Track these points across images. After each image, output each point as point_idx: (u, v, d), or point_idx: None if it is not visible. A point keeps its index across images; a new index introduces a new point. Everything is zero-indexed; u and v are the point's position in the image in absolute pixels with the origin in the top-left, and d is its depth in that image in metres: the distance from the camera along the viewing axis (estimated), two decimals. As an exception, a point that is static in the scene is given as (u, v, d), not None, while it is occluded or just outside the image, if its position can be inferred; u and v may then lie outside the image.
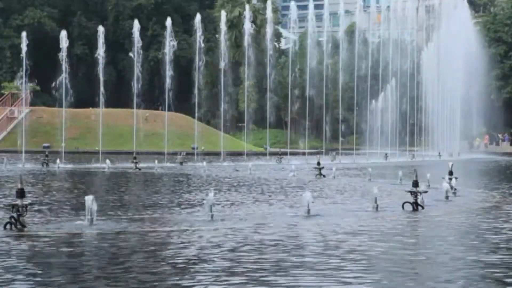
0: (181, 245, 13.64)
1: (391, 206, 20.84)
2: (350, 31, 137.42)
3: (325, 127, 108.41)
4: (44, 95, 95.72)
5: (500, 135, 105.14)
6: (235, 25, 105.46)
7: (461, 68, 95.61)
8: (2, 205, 19.77)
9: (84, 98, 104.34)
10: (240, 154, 61.66)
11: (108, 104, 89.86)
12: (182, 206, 21.10)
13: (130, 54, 67.98)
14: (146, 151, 63.29)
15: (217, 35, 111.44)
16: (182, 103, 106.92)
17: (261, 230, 15.85)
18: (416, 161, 59.77)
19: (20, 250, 13.10)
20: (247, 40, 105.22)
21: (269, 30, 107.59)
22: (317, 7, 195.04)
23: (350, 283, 10.23)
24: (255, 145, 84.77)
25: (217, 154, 55.08)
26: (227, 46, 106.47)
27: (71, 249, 13.23)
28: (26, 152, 53.41)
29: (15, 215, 15.29)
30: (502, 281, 10.50)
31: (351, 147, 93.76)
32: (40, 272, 11.14)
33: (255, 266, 11.44)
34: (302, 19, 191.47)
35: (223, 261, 11.90)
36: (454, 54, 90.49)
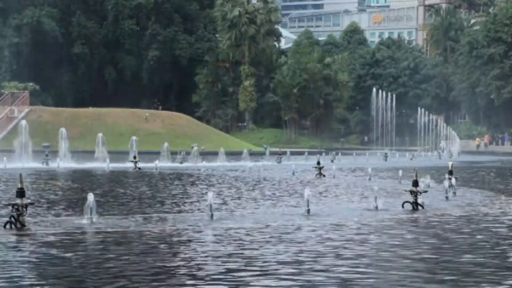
0: (182, 244, 13.66)
1: (391, 205, 20.85)
2: (350, 31, 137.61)
3: (324, 127, 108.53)
4: (43, 94, 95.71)
5: (499, 135, 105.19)
6: (235, 24, 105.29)
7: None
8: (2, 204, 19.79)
9: (83, 98, 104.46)
10: (240, 153, 61.54)
11: (108, 104, 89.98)
12: (182, 206, 21.13)
13: None
14: (146, 151, 63.24)
15: (217, 35, 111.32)
16: (182, 103, 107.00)
17: (260, 230, 15.86)
18: (416, 161, 59.73)
19: (19, 249, 13.10)
20: (247, 39, 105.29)
21: (269, 29, 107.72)
22: (317, 6, 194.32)
23: (346, 282, 10.25)
24: (254, 145, 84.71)
25: (217, 153, 55.05)
26: (227, 45, 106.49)
27: (71, 248, 13.24)
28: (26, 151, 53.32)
29: (15, 214, 15.30)
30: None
31: (351, 146, 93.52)
32: (38, 272, 11.15)
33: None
34: (302, 18, 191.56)
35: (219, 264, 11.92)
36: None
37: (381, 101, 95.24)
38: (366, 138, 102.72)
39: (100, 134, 46.29)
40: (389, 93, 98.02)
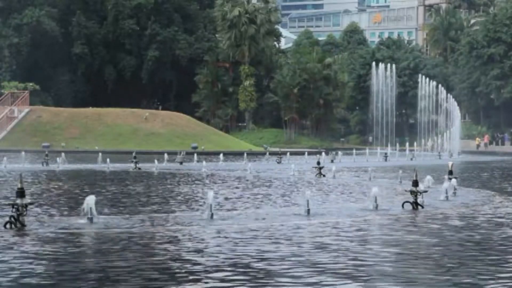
0: (181, 244, 13.67)
1: (391, 205, 20.86)
2: (350, 31, 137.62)
3: (324, 127, 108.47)
4: (43, 94, 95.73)
5: (500, 135, 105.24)
6: (235, 24, 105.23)
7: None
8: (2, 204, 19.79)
9: (83, 98, 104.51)
10: (240, 153, 61.55)
11: (108, 104, 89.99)
12: (182, 205, 21.14)
13: None
14: (146, 151, 63.27)
15: (217, 35, 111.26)
16: (182, 102, 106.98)
17: (260, 230, 15.87)
18: (416, 161, 59.72)
19: (19, 249, 13.10)
20: (247, 39, 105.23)
21: (269, 29, 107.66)
22: (317, 6, 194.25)
23: (344, 281, 10.25)
24: (254, 145, 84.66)
25: (217, 153, 55.09)
26: (227, 45, 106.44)
27: (71, 248, 13.24)
28: (26, 151, 53.38)
29: (15, 214, 15.30)
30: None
31: (351, 146, 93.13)
32: (39, 271, 11.15)
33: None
34: (302, 18, 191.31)
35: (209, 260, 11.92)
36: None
37: (382, 73, 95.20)
38: (370, 138, 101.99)
39: (100, 154, 45.82)
40: (389, 64, 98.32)
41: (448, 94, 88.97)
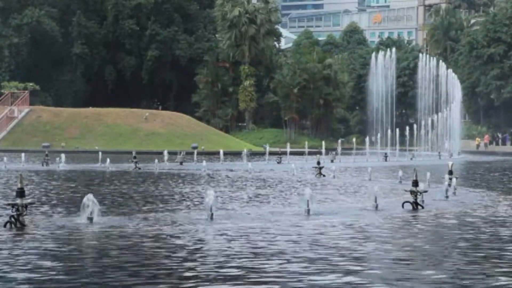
0: (181, 244, 13.67)
1: (391, 205, 20.86)
2: (350, 31, 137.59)
3: (324, 127, 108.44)
4: (43, 94, 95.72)
5: (502, 135, 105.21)
6: (235, 24, 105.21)
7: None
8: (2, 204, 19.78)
9: (83, 97, 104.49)
10: (239, 153, 61.51)
11: (108, 104, 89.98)
12: (182, 205, 21.14)
13: None
14: (146, 151, 63.27)
15: (217, 35, 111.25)
16: (182, 102, 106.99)
17: (260, 230, 15.88)
18: (416, 161, 59.72)
19: (19, 249, 13.11)
20: (247, 39, 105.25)
21: (269, 29, 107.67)
22: (317, 6, 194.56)
23: (343, 281, 10.26)
24: (254, 145, 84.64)
25: (217, 153, 55.08)
26: (227, 45, 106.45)
27: (70, 248, 13.24)
28: (26, 151, 53.39)
29: (15, 214, 15.31)
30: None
31: (350, 146, 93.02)
32: (39, 271, 11.15)
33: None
34: (302, 18, 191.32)
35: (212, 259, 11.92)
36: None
37: (381, 61, 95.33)
38: (373, 138, 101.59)
39: (100, 154, 45.48)
40: (389, 50, 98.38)
41: (449, 70, 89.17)
